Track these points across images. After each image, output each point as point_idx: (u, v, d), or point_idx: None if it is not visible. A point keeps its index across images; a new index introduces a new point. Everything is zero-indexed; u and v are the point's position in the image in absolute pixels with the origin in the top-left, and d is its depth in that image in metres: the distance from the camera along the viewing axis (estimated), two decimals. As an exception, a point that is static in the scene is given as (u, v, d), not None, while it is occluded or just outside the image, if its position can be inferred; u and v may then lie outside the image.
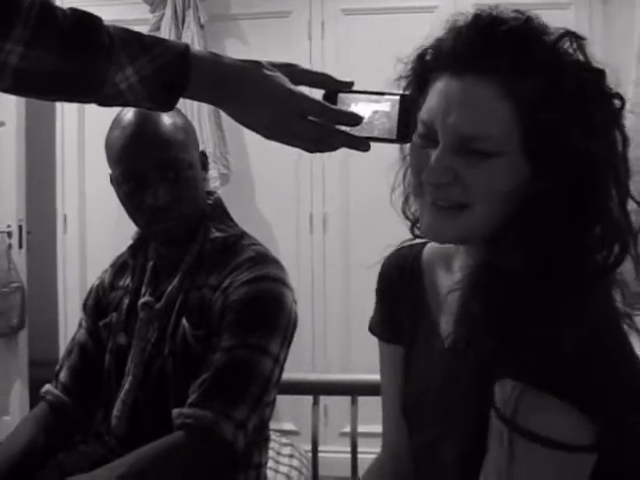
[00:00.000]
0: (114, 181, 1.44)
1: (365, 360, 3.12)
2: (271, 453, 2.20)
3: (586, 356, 0.78)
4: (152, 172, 1.37)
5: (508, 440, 0.79)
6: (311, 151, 1.00)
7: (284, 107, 0.94)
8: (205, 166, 1.52)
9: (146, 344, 1.43)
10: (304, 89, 0.97)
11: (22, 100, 3.68)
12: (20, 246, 3.75)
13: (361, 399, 1.78)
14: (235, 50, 3.44)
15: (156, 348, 1.42)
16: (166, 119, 1.41)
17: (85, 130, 3.58)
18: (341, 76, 3.25)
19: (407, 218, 1.05)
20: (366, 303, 3.44)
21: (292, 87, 0.95)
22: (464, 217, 0.87)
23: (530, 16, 0.88)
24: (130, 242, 1.57)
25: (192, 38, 3.27)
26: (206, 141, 3.20)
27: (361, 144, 0.95)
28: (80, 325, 1.59)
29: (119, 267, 1.59)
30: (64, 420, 1.50)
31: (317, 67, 3.33)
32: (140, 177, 1.38)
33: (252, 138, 3.57)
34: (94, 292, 1.60)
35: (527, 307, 0.81)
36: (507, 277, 0.83)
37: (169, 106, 0.97)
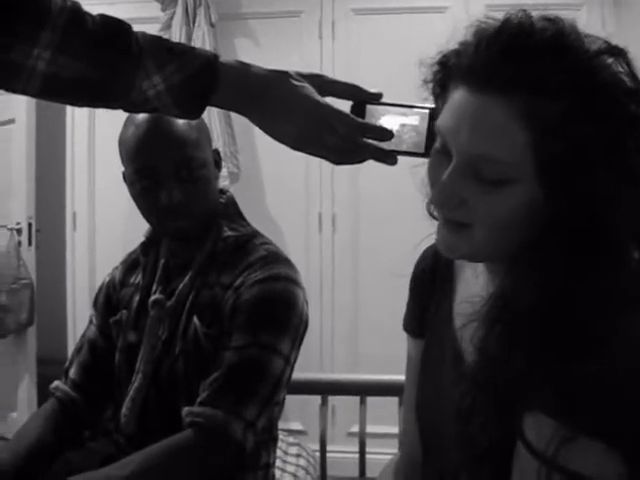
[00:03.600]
0: (127, 179, 1.44)
1: (373, 360, 3.15)
2: (279, 453, 2.20)
3: (628, 397, 0.75)
4: (166, 171, 1.37)
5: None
6: (337, 163, 1.00)
7: (312, 119, 0.94)
8: (218, 164, 1.51)
9: (156, 342, 1.43)
10: (331, 100, 0.97)
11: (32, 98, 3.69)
12: (30, 243, 3.76)
13: (369, 399, 1.77)
14: (245, 49, 3.45)
15: (166, 346, 1.42)
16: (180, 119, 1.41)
17: (95, 127, 3.59)
18: (352, 76, 3.28)
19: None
20: (375, 303, 3.47)
21: (320, 99, 0.96)
22: (467, 236, 0.85)
23: (563, 27, 0.80)
24: (142, 239, 1.57)
25: (203, 37, 3.27)
26: (216, 139, 3.20)
27: (388, 157, 0.94)
28: (90, 322, 1.59)
29: (130, 264, 1.59)
30: (73, 417, 1.50)
31: (327, 67, 3.34)
32: (154, 175, 1.38)
33: (262, 137, 3.56)
34: (105, 289, 1.60)
35: (548, 340, 0.78)
36: (524, 308, 0.80)
37: (196, 114, 0.97)
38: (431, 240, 1.12)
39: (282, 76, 0.97)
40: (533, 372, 0.78)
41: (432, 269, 1.11)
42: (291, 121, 0.95)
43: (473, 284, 1.01)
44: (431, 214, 1.00)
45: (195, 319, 1.39)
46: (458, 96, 0.83)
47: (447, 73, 0.88)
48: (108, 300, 1.57)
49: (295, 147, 0.97)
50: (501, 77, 0.78)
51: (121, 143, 1.43)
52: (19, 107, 3.70)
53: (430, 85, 0.93)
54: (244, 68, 0.98)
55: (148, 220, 1.46)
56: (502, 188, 0.81)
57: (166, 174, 1.37)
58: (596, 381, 0.75)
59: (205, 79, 0.94)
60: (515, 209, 0.81)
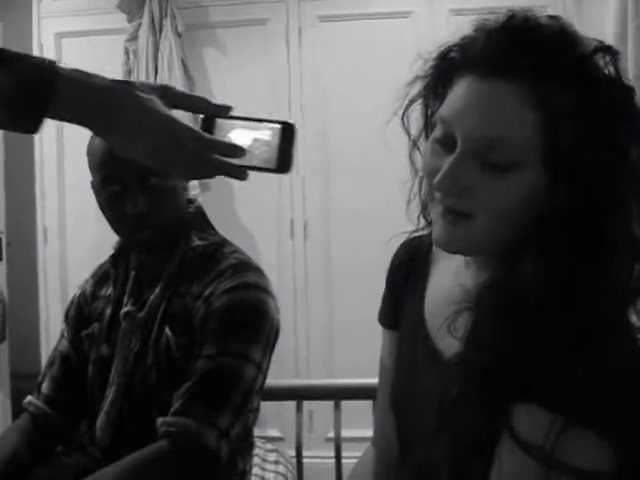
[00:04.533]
0: (94, 187, 1.44)
1: (348, 365, 3.16)
2: (257, 460, 2.20)
3: (623, 390, 0.77)
4: (132, 179, 1.36)
5: (545, 475, 0.77)
6: (187, 179, 0.97)
7: (163, 135, 0.89)
8: None
9: (129, 354, 1.43)
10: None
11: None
12: (0, 258, 3.72)
13: (345, 404, 1.78)
14: (213, 58, 3.46)
15: (139, 358, 1.42)
16: None
17: (64, 140, 3.56)
18: (320, 81, 3.28)
19: (427, 222, 1.02)
20: (348, 308, 3.48)
21: (169, 113, 0.90)
22: (467, 227, 0.85)
23: (565, 24, 0.85)
24: (112, 252, 1.57)
25: (170, 47, 3.27)
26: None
27: (239, 173, 0.91)
28: (62, 335, 1.58)
29: (100, 276, 1.59)
30: (47, 431, 1.49)
31: (295, 73, 3.36)
32: (120, 184, 1.37)
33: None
34: (76, 302, 1.59)
35: (546, 331, 0.79)
36: (523, 299, 0.81)
37: (32, 127, 0.88)
38: (403, 238, 1.14)
39: (128, 88, 0.89)
40: (527, 363, 0.79)
41: (407, 262, 1.12)
42: (142, 137, 0.89)
43: (446, 279, 1.03)
44: (424, 209, 1.00)
45: (167, 329, 1.39)
46: (465, 84, 0.85)
47: (450, 65, 0.89)
48: (79, 313, 1.57)
49: (145, 162, 0.92)
50: (511, 64, 0.81)
51: (89, 152, 1.43)
52: (-15, 121, 3.67)
53: (426, 80, 0.94)
54: (85, 77, 0.88)
55: (115, 230, 1.45)
56: (508, 174, 0.82)
57: (132, 183, 1.36)
58: (593, 372, 0.76)
59: (40, 86, 0.85)
60: (519, 197, 0.82)
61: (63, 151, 3.57)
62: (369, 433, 1.78)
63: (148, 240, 1.42)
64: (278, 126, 0.90)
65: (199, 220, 1.53)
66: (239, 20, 3.43)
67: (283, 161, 0.89)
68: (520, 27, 0.84)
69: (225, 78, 3.44)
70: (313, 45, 3.38)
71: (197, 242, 1.46)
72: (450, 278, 1.02)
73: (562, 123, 0.80)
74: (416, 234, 1.09)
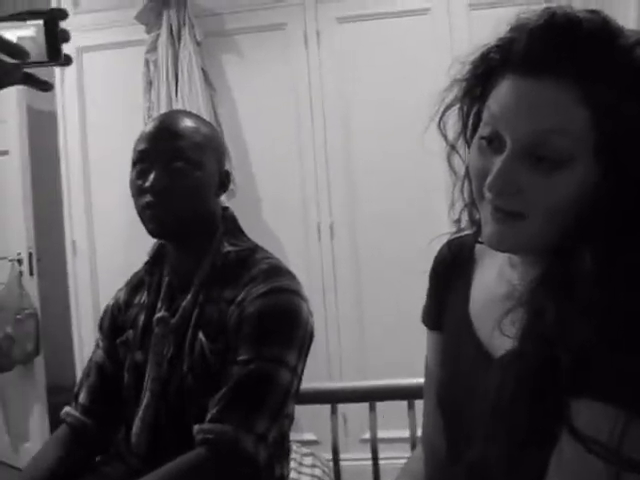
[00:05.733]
0: (131, 169, 1.47)
1: (381, 366, 3.15)
2: (293, 464, 2.20)
3: None
4: (158, 158, 1.41)
5: (613, 473, 0.75)
6: None
7: None
8: (224, 185, 1.53)
9: (162, 360, 1.44)
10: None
11: (25, 127, 3.71)
12: (31, 273, 3.77)
13: (380, 405, 1.77)
14: (232, 65, 3.47)
15: (173, 364, 1.43)
16: (190, 122, 1.47)
17: (89, 154, 3.60)
18: (340, 84, 3.27)
19: (472, 222, 1.01)
20: (379, 307, 3.48)
21: None
22: (521, 227, 0.85)
23: (606, 17, 0.84)
24: (145, 260, 1.58)
25: (189, 56, 3.28)
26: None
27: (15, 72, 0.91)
28: (97, 346, 1.60)
29: (135, 284, 1.61)
30: (85, 441, 1.51)
31: (315, 76, 3.36)
32: (147, 160, 1.42)
33: (256, 153, 3.59)
34: (109, 312, 1.61)
35: (606, 324, 0.78)
36: (581, 293, 0.80)
37: None
38: (440, 238, 1.14)
39: None
40: (586, 357, 0.78)
41: (451, 263, 1.12)
42: None
43: (490, 279, 1.02)
44: (470, 210, 1.00)
45: (201, 335, 1.40)
46: (510, 83, 0.85)
47: (491, 66, 0.89)
48: (114, 322, 1.58)
49: None
50: (556, 62, 0.81)
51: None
52: (12, 138, 3.73)
53: (464, 83, 0.94)
54: None
55: (136, 207, 1.45)
56: (559, 171, 0.82)
57: (158, 161, 1.41)
58: None
59: None
60: (571, 193, 0.82)
61: (89, 164, 3.60)
62: (405, 434, 1.79)
63: (157, 221, 1.41)
64: (40, 21, 0.90)
65: (231, 227, 1.54)
66: (257, 26, 3.44)
67: (52, 52, 0.90)
68: (563, 24, 0.83)
69: (246, 84, 3.45)
70: (332, 47, 3.38)
71: (229, 248, 1.47)
72: (494, 277, 1.02)
73: (612, 115, 0.80)
74: (458, 234, 1.09)
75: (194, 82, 3.28)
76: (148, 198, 1.40)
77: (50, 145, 3.73)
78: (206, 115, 3.22)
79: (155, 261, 1.56)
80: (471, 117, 0.95)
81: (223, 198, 3.16)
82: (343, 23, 3.37)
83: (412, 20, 3.30)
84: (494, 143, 0.86)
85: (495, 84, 0.87)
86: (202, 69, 3.32)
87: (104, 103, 3.58)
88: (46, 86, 0.93)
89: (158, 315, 1.47)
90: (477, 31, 3.18)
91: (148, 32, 3.42)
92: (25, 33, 0.89)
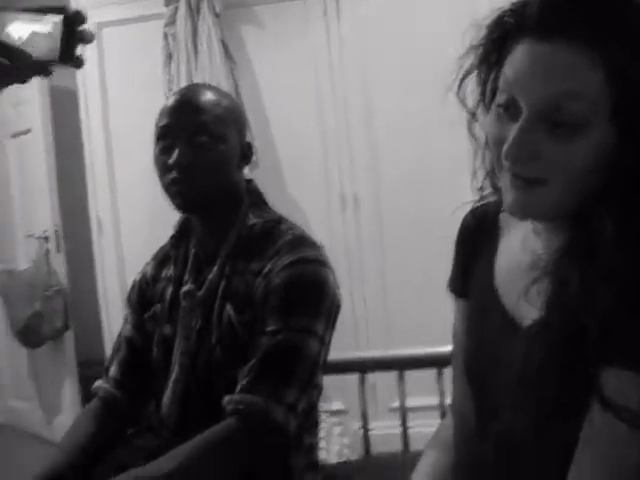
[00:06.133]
0: (154, 144, 1.47)
1: (408, 333, 3.15)
2: (322, 433, 2.22)
3: None
4: (182, 134, 1.40)
5: None
6: None
7: None
8: (247, 156, 1.51)
9: (190, 332, 1.44)
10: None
11: (47, 105, 3.72)
12: (58, 250, 3.81)
13: (408, 373, 1.77)
14: (252, 36, 3.45)
15: (201, 336, 1.43)
16: (211, 95, 1.46)
17: (111, 130, 3.62)
18: (361, 54, 3.24)
19: (494, 189, 1.00)
20: (404, 276, 3.47)
21: None
22: (542, 193, 0.84)
23: None
24: (170, 234, 1.58)
25: (209, 28, 3.27)
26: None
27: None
28: (125, 320, 1.60)
29: (162, 259, 1.61)
30: (117, 414, 1.52)
31: (335, 48, 3.33)
32: (170, 136, 1.41)
33: (277, 123, 3.57)
34: (137, 287, 1.61)
35: (631, 292, 0.77)
36: (605, 261, 0.79)
37: None
38: (465, 206, 1.13)
39: None
40: (614, 325, 0.77)
41: (475, 231, 1.11)
42: None
43: (515, 247, 1.01)
44: (492, 177, 0.98)
45: (228, 307, 1.40)
46: (524, 48, 0.83)
47: (506, 30, 0.87)
48: (142, 297, 1.59)
49: None
50: (571, 24, 0.79)
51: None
52: (34, 117, 3.75)
53: (480, 49, 0.92)
54: None
55: (162, 183, 1.45)
56: (576, 134, 0.80)
57: (180, 137, 1.40)
58: None
59: None
60: (589, 156, 0.81)
61: (111, 140, 3.62)
62: (433, 401, 1.79)
63: (183, 196, 1.41)
64: (59, 18, 0.88)
65: (255, 199, 1.53)
66: (276, -4, 3.40)
67: (65, 52, 0.88)
68: None
69: (265, 56, 3.43)
70: (353, 17, 3.34)
71: (254, 220, 1.47)
72: (519, 245, 1.00)
73: (626, 77, 0.79)
74: (481, 202, 1.08)
75: (214, 54, 3.26)
76: (173, 174, 1.40)
77: (72, 122, 3.74)
78: (226, 87, 3.20)
79: (181, 235, 1.56)
80: (489, 84, 0.93)
81: (246, 170, 3.17)
82: (362, -8, 3.32)
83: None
84: (510, 110, 0.85)
85: (510, 49, 0.86)
86: (221, 41, 3.30)
87: (124, 78, 3.57)
88: (78, 62, 0.90)
89: (185, 288, 1.47)
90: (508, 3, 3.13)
91: (166, 5, 3.40)
92: (41, 28, 0.87)
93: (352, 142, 3.36)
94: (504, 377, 0.94)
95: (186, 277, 1.50)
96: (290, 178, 3.44)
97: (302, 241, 1.43)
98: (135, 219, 3.58)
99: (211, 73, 3.24)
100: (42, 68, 0.90)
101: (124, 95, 3.57)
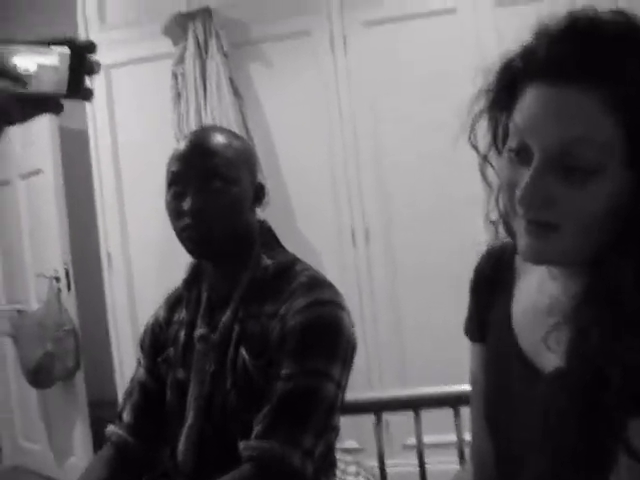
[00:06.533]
0: (166, 190, 1.46)
1: (421, 372, 3.12)
2: (337, 473, 2.18)
3: None
4: (193, 178, 1.40)
5: None
6: None
7: None
8: (259, 198, 1.51)
9: (205, 376, 1.43)
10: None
11: (57, 146, 3.75)
12: (69, 289, 3.80)
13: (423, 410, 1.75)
14: (260, 73, 3.47)
15: (215, 380, 1.41)
16: (221, 138, 1.45)
17: (121, 169, 3.63)
18: (369, 87, 3.24)
19: (508, 233, 0.98)
20: (416, 312, 3.44)
21: None
22: (555, 239, 0.83)
23: (632, 19, 0.81)
24: (181, 276, 1.58)
25: (217, 67, 3.30)
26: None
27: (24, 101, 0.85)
28: (138, 364, 1.59)
29: (173, 302, 1.60)
30: (131, 460, 1.50)
31: (343, 81, 3.34)
32: (183, 183, 1.41)
33: (287, 159, 3.57)
34: (150, 330, 1.60)
35: None
36: (628, 307, 0.78)
37: None
38: (480, 245, 1.12)
39: None
40: (637, 372, 0.76)
41: (491, 273, 1.09)
42: None
43: (531, 289, 1.00)
44: (506, 221, 0.97)
45: (243, 351, 1.39)
46: (535, 92, 0.82)
47: (515, 75, 0.87)
48: (155, 340, 1.58)
49: None
50: (579, 67, 0.78)
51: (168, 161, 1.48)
52: (44, 158, 3.77)
53: (490, 93, 0.92)
54: None
55: (174, 228, 1.45)
56: (590, 179, 0.79)
57: (193, 182, 1.40)
58: None
59: None
60: (603, 201, 0.80)
61: (121, 180, 3.63)
62: (450, 438, 1.76)
63: (197, 241, 1.41)
64: (66, 50, 0.86)
65: (268, 239, 1.52)
66: (283, 33, 3.43)
67: (73, 85, 0.85)
68: (585, 28, 0.81)
69: (274, 92, 3.45)
70: (359, 51, 3.36)
71: (267, 261, 1.46)
72: (535, 288, 0.99)
73: (639, 120, 0.77)
74: (496, 244, 1.07)
75: (222, 92, 3.28)
76: (187, 220, 1.39)
77: (82, 163, 3.76)
78: (235, 125, 3.22)
79: (193, 278, 1.56)
80: (500, 128, 0.93)
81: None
82: (369, 27, 3.35)
83: (438, 20, 3.27)
84: (522, 155, 0.84)
85: (520, 93, 0.85)
86: (230, 79, 3.32)
87: (134, 118, 3.60)
88: (86, 94, 0.88)
89: (198, 332, 1.46)
90: (504, 28, 3.14)
91: (175, 45, 3.44)
92: (47, 61, 0.85)
93: (362, 176, 3.35)
94: (525, 424, 0.93)
95: (199, 321, 1.49)
96: (300, 213, 3.44)
97: (317, 282, 1.42)
98: (146, 258, 3.57)
99: (220, 111, 3.26)
100: (50, 102, 0.88)
101: (134, 135, 3.59)
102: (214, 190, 1.39)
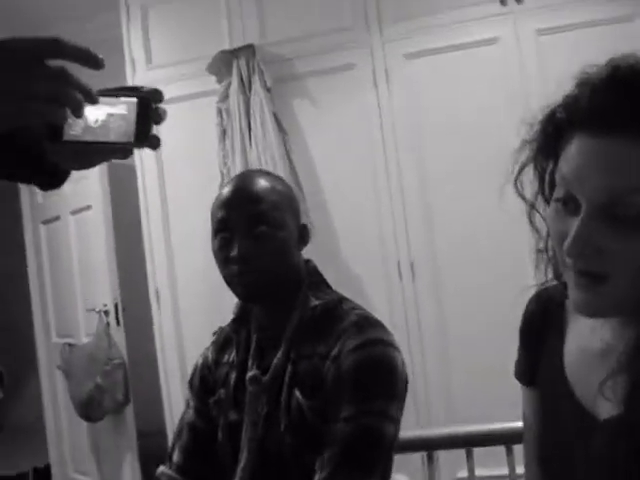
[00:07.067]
0: (212, 237, 1.47)
1: (470, 409, 3.08)
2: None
3: None
4: (240, 225, 1.41)
5: None
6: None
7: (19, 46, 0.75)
8: (304, 238, 1.52)
9: (258, 418, 1.43)
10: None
11: (106, 182, 3.83)
12: (118, 323, 3.86)
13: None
14: (303, 108, 3.50)
15: (268, 422, 1.42)
16: (264, 182, 1.46)
17: (168, 205, 3.67)
18: (412, 120, 3.25)
19: (558, 280, 0.98)
20: (465, 347, 3.39)
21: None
22: (606, 291, 0.82)
23: None
24: (227, 314, 1.58)
25: (261, 102, 3.33)
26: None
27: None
28: (187, 405, 1.60)
29: (222, 343, 1.61)
30: None
31: (387, 114, 3.36)
32: (230, 230, 1.42)
33: (331, 193, 3.57)
34: (199, 371, 1.61)
35: None
36: None
37: None
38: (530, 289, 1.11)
39: None
40: None
41: (541, 316, 1.09)
42: None
43: (583, 334, 0.99)
44: (556, 269, 0.97)
45: (297, 393, 1.39)
46: (579, 143, 0.82)
47: (559, 126, 0.87)
48: (204, 382, 1.59)
49: None
50: (621, 118, 0.78)
51: (212, 206, 1.49)
52: (94, 194, 3.85)
53: (534, 144, 0.92)
54: None
55: (223, 277, 1.46)
56: (637, 228, 0.78)
57: (241, 228, 1.41)
58: None
59: None
60: None
61: (168, 216, 3.67)
62: (499, 472, 1.73)
63: (248, 286, 1.42)
64: (134, 100, 0.87)
65: (315, 279, 1.53)
66: (325, 68, 3.46)
67: (140, 134, 0.86)
68: (626, 77, 0.81)
69: (318, 126, 3.48)
70: (402, 84, 3.37)
71: (315, 302, 1.47)
72: (588, 332, 0.98)
73: None
74: (545, 286, 1.06)
75: (266, 128, 3.32)
76: (236, 267, 1.41)
77: (131, 197, 3.82)
78: (280, 159, 3.25)
79: (241, 318, 1.56)
80: (546, 176, 0.93)
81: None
82: (411, 59, 3.36)
83: (481, 50, 3.27)
84: (569, 205, 0.84)
85: (565, 144, 0.85)
86: (274, 114, 3.36)
87: (180, 154, 3.65)
88: (154, 143, 0.88)
89: (250, 374, 1.47)
90: (547, 57, 3.14)
91: (219, 82, 3.49)
92: (116, 110, 0.86)
93: (407, 209, 3.34)
94: (582, 470, 0.91)
95: (250, 362, 1.49)
96: (346, 247, 3.44)
97: (367, 322, 1.42)
98: (193, 292, 3.60)
99: (265, 146, 3.29)
100: (118, 150, 0.90)
101: (180, 170, 3.64)
102: (261, 235, 1.41)
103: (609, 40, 3.00)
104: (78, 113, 0.79)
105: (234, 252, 1.40)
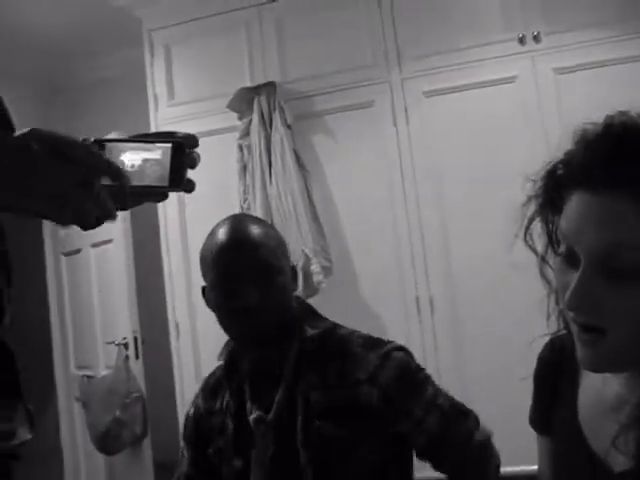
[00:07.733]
0: (208, 285, 1.46)
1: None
2: None
3: None
4: (245, 273, 1.39)
5: None
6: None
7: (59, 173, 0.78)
8: (295, 280, 1.53)
9: (266, 458, 1.42)
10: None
11: (127, 216, 3.87)
12: (137, 356, 3.87)
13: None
14: (323, 145, 3.53)
15: (274, 462, 1.41)
16: (256, 229, 1.44)
17: (188, 239, 3.70)
18: (431, 158, 3.25)
19: (568, 330, 0.98)
20: (483, 386, 3.35)
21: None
22: (605, 345, 0.83)
23: None
24: (220, 363, 1.58)
25: (281, 139, 3.38)
26: (305, 236, 3.25)
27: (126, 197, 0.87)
28: (182, 456, 1.59)
29: (211, 390, 1.59)
30: None
31: (406, 152, 3.38)
32: (233, 277, 1.39)
33: (350, 229, 3.56)
34: (191, 421, 1.60)
35: None
36: None
37: None
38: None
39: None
40: None
41: (555, 364, 1.09)
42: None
43: (596, 383, 0.99)
44: (565, 320, 0.98)
45: (320, 424, 1.38)
46: (577, 199, 0.84)
47: (558, 182, 0.89)
48: (197, 431, 1.57)
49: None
50: (617, 173, 0.80)
51: (202, 254, 1.47)
52: (116, 227, 3.89)
53: (538, 199, 0.94)
54: None
55: (227, 328, 1.46)
56: (635, 282, 0.80)
57: (245, 277, 1.39)
58: None
59: None
60: None
61: (187, 250, 3.69)
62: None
63: (258, 334, 1.42)
64: (168, 145, 0.89)
65: (307, 312, 1.54)
66: (345, 105, 3.50)
67: (175, 178, 0.89)
68: (618, 134, 0.83)
69: (337, 162, 3.51)
70: (421, 121, 3.40)
71: (311, 331, 1.47)
72: (600, 383, 0.99)
73: None
74: (559, 333, 1.07)
75: (287, 164, 3.36)
76: (242, 317, 1.40)
77: (151, 232, 3.87)
78: (299, 196, 3.28)
79: (231, 364, 1.55)
80: (553, 230, 0.95)
81: (321, 277, 3.18)
82: (430, 97, 3.39)
83: (499, 89, 3.30)
84: (570, 259, 0.86)
85: (565, 199, 0.87)
86: (294, 151, 3.40)
87: (201, 189, 3.65)
88: (188, 186, 0.90)
89: (253, 416, 1.45)
90: (565, 95, 3.16)
91: (240, 118, 3.54)
92: (151, 155, 0.89)
93: (426, 245, 3.35)
94: None
95: (248, 405, 1.48)
96: (364, 282, 3.44)
97: (372, 339, 1.49)
98: (212, 326, 3.59)
99: (284, 182, 3.33)
100: (153, 194, 0.92)
101: (201, 205, 3.67)
102: (263, 282, 1.40)
103: (626, 79, 3.02)
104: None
105: (241, 302, 1.38)
